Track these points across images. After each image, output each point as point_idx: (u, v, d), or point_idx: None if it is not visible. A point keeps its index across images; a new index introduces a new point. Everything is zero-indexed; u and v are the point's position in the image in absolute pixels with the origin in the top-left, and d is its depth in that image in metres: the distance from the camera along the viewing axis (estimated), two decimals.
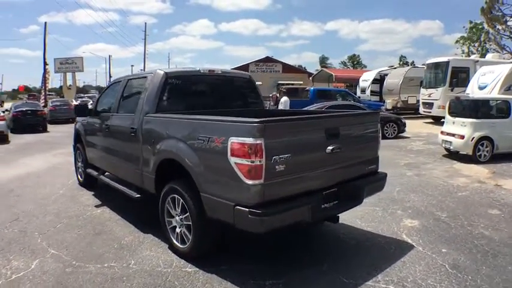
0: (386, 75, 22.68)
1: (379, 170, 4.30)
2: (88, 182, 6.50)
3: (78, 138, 6.64)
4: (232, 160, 3.06)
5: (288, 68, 43.17)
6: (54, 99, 26.35)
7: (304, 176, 3.37)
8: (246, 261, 3.73)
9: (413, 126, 15.78)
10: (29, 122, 17.15)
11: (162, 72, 4.48)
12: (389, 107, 19.96)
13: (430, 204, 5.54)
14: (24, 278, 3.45)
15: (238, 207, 3.08)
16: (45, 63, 31.54)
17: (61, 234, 4.50)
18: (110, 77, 48.38)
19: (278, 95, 14.40)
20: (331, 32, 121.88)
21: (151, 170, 4.11)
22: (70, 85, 36.44)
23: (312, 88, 19.37)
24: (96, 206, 5.58)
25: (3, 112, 15.97)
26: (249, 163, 2.98)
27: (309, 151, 3.40)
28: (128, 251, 4.00)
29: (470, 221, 4.84)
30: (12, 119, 17.02)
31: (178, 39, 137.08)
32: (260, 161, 2.98)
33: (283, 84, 28.57)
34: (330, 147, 3.50)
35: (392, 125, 13.26)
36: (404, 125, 13.43)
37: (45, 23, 35.00)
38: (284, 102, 13.35)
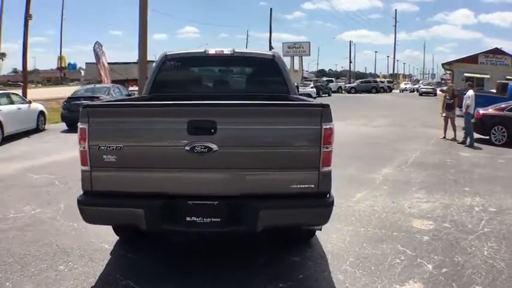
0: None
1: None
2: None
3: None
4: None
5: None
6: None
7: (148, 173, 2.86)
8: (155, 257, 3.58)
9: None
10: None
11: (163, 54, 4.64)
12: None
13: (490, 267, 3.33)
14: (16, 217, 4.57)
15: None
16: (270, 47, 36.67)
17: None
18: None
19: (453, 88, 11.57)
20: None
21: None
22: (296, 70, 40.05)
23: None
24: None
25: None
26: (79, 148, 2.88)
27: (154, 145, 2.84)
28: None
29: None
30: None
31: (440, 28, 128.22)
32: (84, 147, 2.84)
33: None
34: (190, 145, 2.74)
35: None
36: None
37: (271, 9, 40.43)
38: (470, 97, 10.44)
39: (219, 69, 4.77)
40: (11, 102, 10.85)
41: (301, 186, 2.82)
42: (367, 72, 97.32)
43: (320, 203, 2.87)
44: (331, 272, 3.31)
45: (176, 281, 3.19)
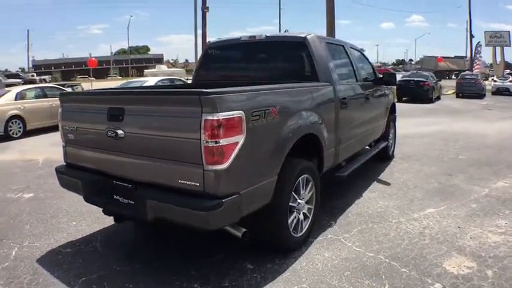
0: None
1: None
2: None
3: None
4: None
5: None
6: (464, 73, 25.37)
7: (88, 152, 3.14)
8: (147, 231, 3.78)
9: None
10: (410, 92, 18.24)
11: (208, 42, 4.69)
12: None
13: None
14: None
15: None
16: (471, 36, 30.72)
17: None
18: None
19: None
20: None
21: None
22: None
23: None
24: None
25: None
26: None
27: (89, 128, 3.08)
28: None
29: None
30: (396, 88, 18.96)
31: None
32: (59, 126, 3.39)
33: None
34: (106, 130, 2.83)
35: None
36: None
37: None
38: None
39: (252, 55, 4.40)
40: None
41: (187, 182, 2.47)
42: None
43: (198, 205, 2.38)
44: None
45: (124, 251, 3.37)
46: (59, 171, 3.36)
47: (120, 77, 44.97)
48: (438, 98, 20.04)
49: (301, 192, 3.24)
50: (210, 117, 2.31)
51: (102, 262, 3.14)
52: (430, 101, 18.13)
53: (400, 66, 68.73)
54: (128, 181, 2.82)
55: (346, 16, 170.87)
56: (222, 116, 2.32)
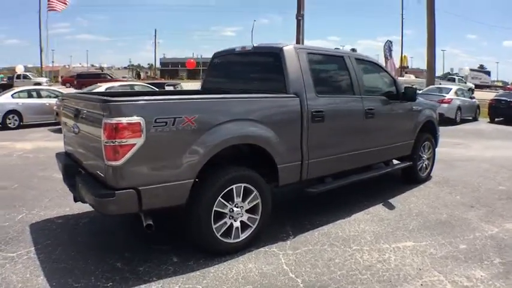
0: None
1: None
2: None
3: None
4: None
5: None
6: None
7: (69, 142, 3.71)
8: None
9: None
10: (502, 112, 15.65)
11: None
12: None
13: None
14: None
15: None
16: None
17: None
18: None
19: None
20: None
21: None
22: None
23: None
24: None
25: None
26: None
27: (68, 123, 3.55)
28: None
29: None
30: (488, 107, 16.46)
31: None
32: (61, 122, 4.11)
33: None
34: (72, 125, 3.34)
35: None
36: None
37: None
38: None
39: (243, 65, 4.41)
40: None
41: (99, 173, 2.83)
42: None
43: (96, 192, 2.72)
44: None
45: (98, 229, 3.70)
46: (57, 156, 3.92)
47: None
48: None
49: (236, 199, 3.16)
50: (108, 121, 2.59)
51: (73, 234, 3.60)
52: None
53: None
54: (84, 169, 3.26)
55: (473, 31, 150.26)
56: (118, 120, 2.58)
